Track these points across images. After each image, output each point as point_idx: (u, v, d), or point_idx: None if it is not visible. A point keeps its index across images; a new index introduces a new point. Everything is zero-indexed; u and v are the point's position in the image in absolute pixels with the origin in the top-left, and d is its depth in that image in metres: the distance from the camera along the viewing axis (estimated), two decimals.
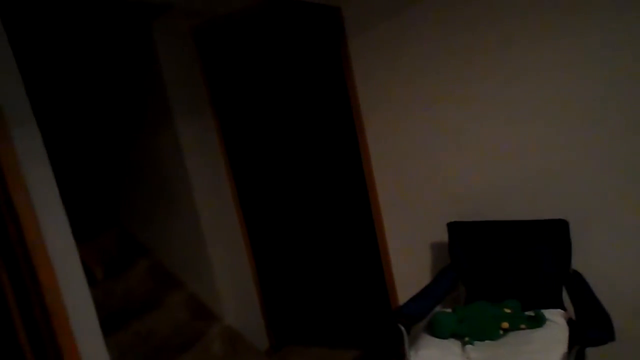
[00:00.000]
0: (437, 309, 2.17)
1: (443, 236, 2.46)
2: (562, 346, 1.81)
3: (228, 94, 3.04)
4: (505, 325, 1.98)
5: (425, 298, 2.18)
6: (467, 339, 1.98)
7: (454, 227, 2.35)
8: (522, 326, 1.98)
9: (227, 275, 3.03)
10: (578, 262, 2.13)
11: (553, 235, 2.10)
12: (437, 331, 2.03)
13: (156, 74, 2.76)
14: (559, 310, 2.06)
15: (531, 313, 2.03)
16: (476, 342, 1.96)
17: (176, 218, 2.98)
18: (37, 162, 1.74)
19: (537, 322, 1.97)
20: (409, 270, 2.67)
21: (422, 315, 2.07)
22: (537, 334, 1.92)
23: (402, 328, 1.96)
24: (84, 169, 3.38)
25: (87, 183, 3.38)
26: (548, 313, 2.01)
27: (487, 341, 1.96)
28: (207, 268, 2.94)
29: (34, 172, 1.71)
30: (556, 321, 1.96)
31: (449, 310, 2.14)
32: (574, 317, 1.95)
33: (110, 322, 2.55)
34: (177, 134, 2.79)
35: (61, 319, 1.75)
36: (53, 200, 1.79)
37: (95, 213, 3.30)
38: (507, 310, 2.03)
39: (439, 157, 2.43)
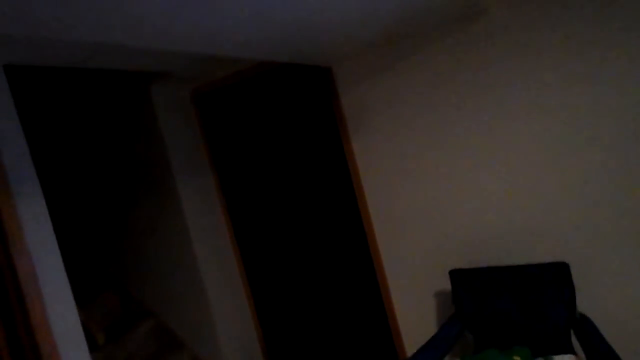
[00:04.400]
0: (446, 359, 2.12)
1: (447, 284, 2.44)
2: None
3: (227, 153, 3.11)
4: None
5: (433, 349, 2.12)
6: None
7: (456, 275, 2.33)
8: None
9: (231, 335, 2.97)
10: (586, 305, 2.10)
11: (555, 279, 2.08)
12: None
13: (157, 136, 2.84)
14: (570, 355, 2.00)
15: None
16: None
17: (179, 279, 2.97)
18: (40, 225, 1.76)
19: None
20: (414, 319, 2.62)
21: None
22: None
23: None
24: (84, 231, 3.40)
25: (89, 245, 3.39)
26: (559, 359, 1.96)
27: None
28: (210, 328, 2.89)
29: (36, 235, 1.73)
30: None
31: None
32: None
33: None
34: (178, 194, 2.83)
35: None
36: (54, 265, 1.79)
37: (96, 275, 3.29)
38: (517, 358, 1.98)
39: (438, 204, 2.45)
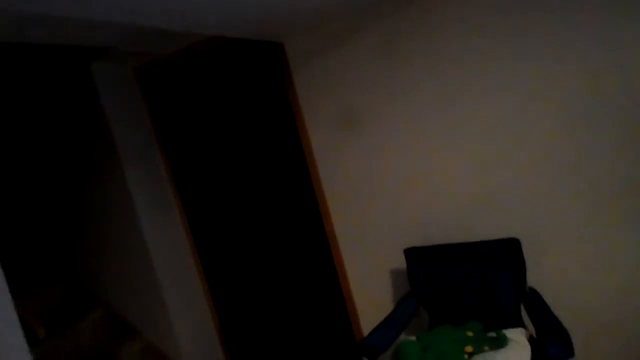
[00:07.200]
0: (401, 337, 2.14)
1: (402, 262, 2.45)
2: None
3: (176, 132, 2.98)
4: (469, 349, 1.96)
5: (388, 328, 2.14)
6: None
7: (410, 253, 2.34)
8: (486, 348, 1.96)
9: (185, 320, 2.90)
10: (536, 279, 2.16)
11: (507, 254, 2.12)
12: None
13: (100, 116, 2.67)
14: (520, 329, 2.06)
15: (493, 334, 2.02)
16: None
17: (128, 264, 2.85)
18: None
19: (500, 342, 1.96)
20: (371, 299, 2.63)
21: (387, 346, 2.02)
22: (501, 355, 1.90)
23: None
24: (26, 220, 3.21)
25: (31, 234, 3.21)
26: (509, 333, 2.00)
27: None
28: (163, 314, 2.81)
29: None
30: (518, 340, 1.96)
31: (413, 338, 2.11)
32: (535, 334, 1.96)
33: None
34: (125, 178, 2.70)
35: None
36: None
37: (42, 265, 3.12)
38: (470, 333, 2.02)
39: (392, 182, 2.44)
